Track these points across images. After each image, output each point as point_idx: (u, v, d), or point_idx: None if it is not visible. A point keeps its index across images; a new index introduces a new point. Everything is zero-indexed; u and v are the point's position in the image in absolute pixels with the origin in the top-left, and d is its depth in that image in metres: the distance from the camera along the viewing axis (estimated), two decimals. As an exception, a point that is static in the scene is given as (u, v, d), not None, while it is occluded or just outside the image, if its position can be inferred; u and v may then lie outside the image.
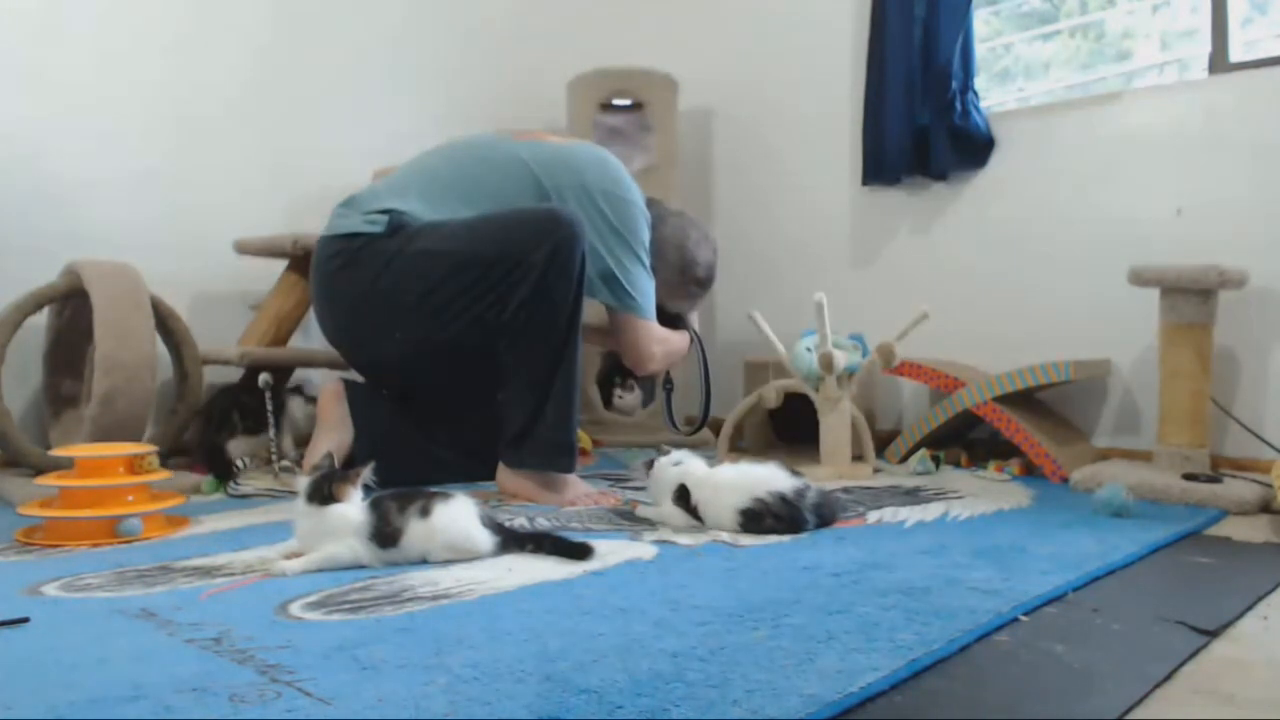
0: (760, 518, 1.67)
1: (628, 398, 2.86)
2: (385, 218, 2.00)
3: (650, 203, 2.26)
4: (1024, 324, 2.61)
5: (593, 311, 2.14)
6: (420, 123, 3.04)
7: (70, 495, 1.69)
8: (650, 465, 1.82)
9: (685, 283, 2.29)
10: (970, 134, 2.65)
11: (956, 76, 2.65)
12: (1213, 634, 1.17)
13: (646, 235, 2.17)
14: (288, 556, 1.45)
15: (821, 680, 0.98)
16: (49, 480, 1.71)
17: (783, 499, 1.68)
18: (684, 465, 1.76)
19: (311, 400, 2.35)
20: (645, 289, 2.15)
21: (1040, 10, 2.85)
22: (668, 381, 2.44)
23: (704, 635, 1.12)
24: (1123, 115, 2.48)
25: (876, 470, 2.39)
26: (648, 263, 2.17)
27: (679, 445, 1.93)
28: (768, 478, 1.71)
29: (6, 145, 2.39)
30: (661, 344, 2.21)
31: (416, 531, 1.46)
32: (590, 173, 2.11)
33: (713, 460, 1.88)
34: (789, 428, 2.76)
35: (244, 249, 2.55)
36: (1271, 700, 0.99)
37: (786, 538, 1.64)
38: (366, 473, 1.48)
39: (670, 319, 2.31)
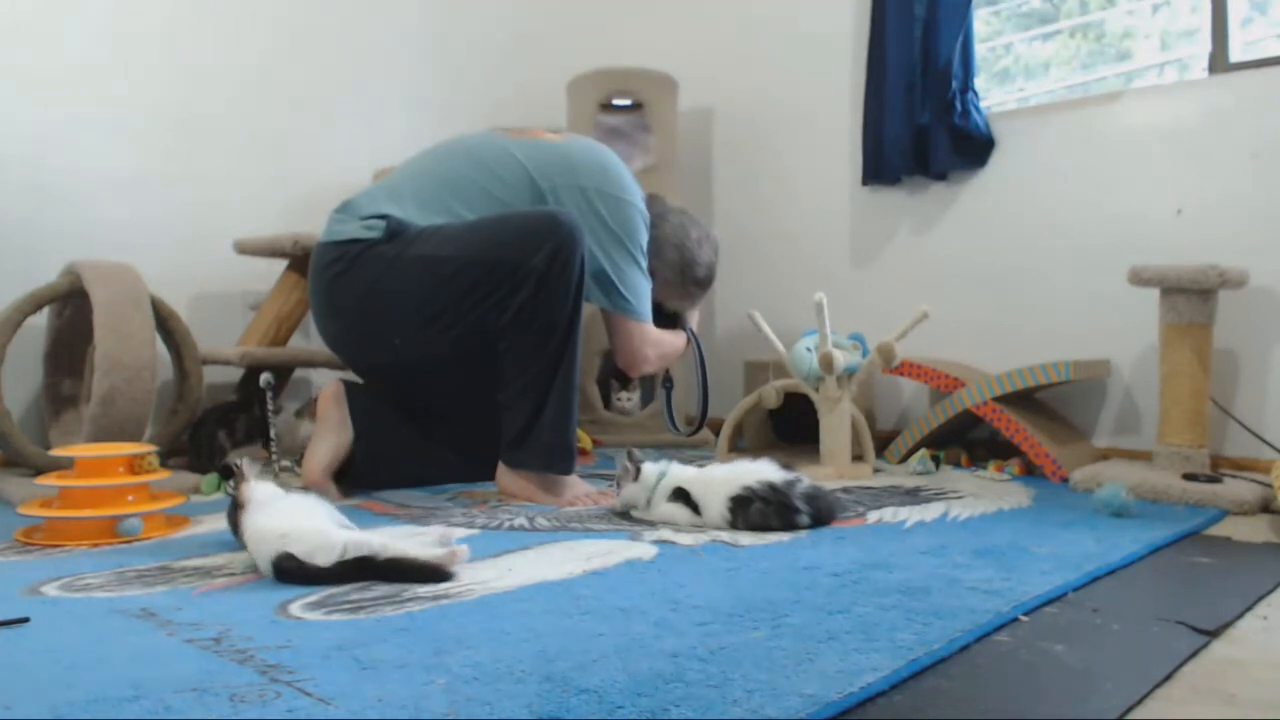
0: (748, 502, 1.70)
1: (633, 395, 2.87)
2: (383, 223, 1.99)
3: (651, 199, 2.25)
4: (1024, 324, 2.61)
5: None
6: (421, 123, 3.04)
7: (70, 495, 1.69)
8: (635, 468, 1.83)
9: (684, 282, 2.28)
10: (970, 134, 2.65)
11: (956, 76, 2.64)
12: (1213, 634, 1.17)
13: (644, 236, 2.16)
14: None
15: (821, 680, 0.98)
16: (49, 480, 1.71)
17: (771, 486, 1.71)
18: (672, 472, 1.81)
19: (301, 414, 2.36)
20: (640, 291, 2.14)
21: (1040, 10, 2.85)
22: (667, 380, 2.44)
23: (704, 635, 1.12)
24: (1123, 115, 2.48)
25: (876, 470, 2.39)
26: (644, 265, 2.16)
27: (664, 446, 1.95)
28: (758, 470, 1.75)
29: (6, 145, 2.39)
30: (655, 347, 2.21)
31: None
32: (587, 173, 2.10)
33: (706, 463, 1.91)
34: (789, 428, 2.76)
35: (244, 249, 2.55)
36: (1271, 700, 0.99)
37: (786, 537, 1.65)
38: None
39: (669, 317, 2.31)
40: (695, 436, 2.56)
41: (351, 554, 1.37)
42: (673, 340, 2.28)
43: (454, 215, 2.03)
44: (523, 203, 2.05)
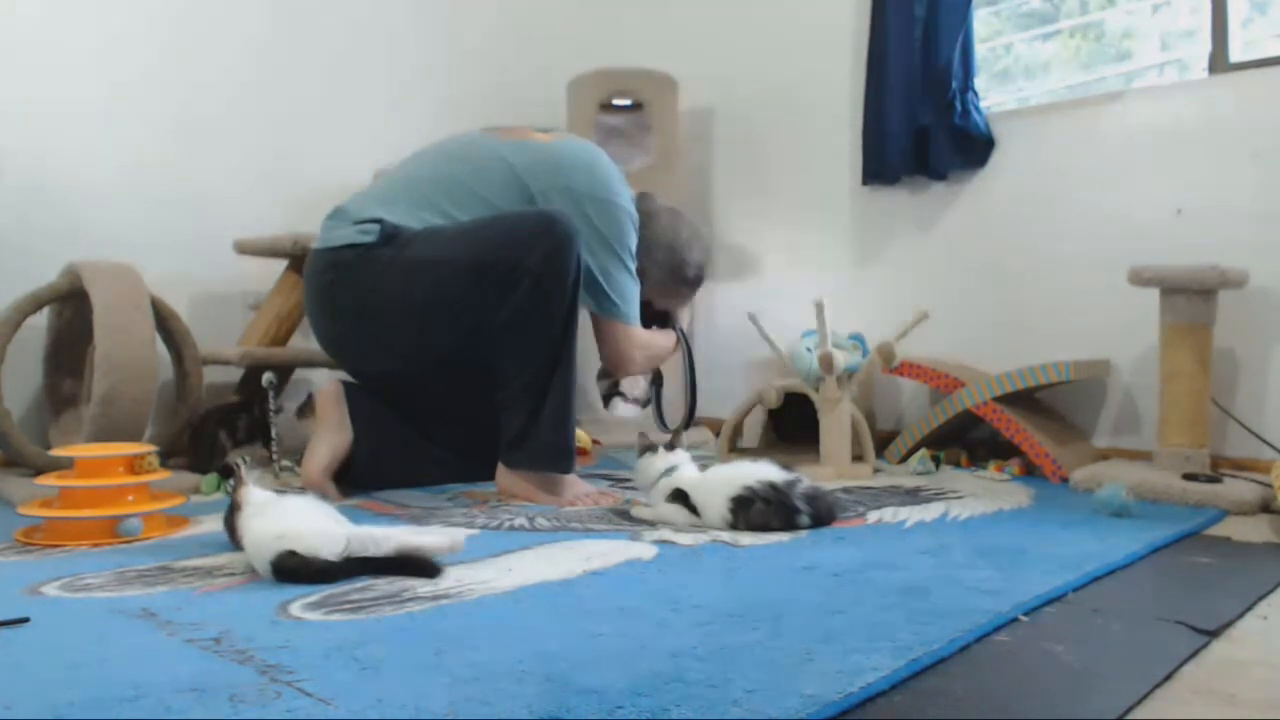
0: (749, 503, 1.70)
1: (640, 384, 2.85)
2: (377, 227, 1.99)
3: (641, 197, 2.25)
4: (1024, 324, 2.61)
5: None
6: (420, 122, 3.04)
7: (70, 495, 1.69)
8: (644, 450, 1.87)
9: (674, 282, 2.28)
10: (970, 134, 2.65)
11: (956, 76, 2.64)
12: (1213, 634, 1.17)
13: (633, 239, 2.16)
14: None
15: (821, 680, 0.98)
16: (49, 480, 1.71)
17: (771, 486, 1.71)
18: (678, 470, 1.81)
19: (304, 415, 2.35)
20: (628, 294, 2.14)
21: (1040, 10, 2.85)
22: (657, 377, 2.44)
23: (704, 635, 1.12)
24: (1123, 115, 2.48)
25: (876, 470, 2.39)
26: (632, 267, 2.15)
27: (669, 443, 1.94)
28: (757, 470, 1.75)
29: (6, 145, 2.39)
30: (642, 349, 2.21)
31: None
32: (576, 175, 2.10)
33: (709, 461, 1.91)
34: (789, 428, 2.76)
35: (244, 249, 2.55)
36: (1271, 700, 0.99)
37: (786, 537, 1.65)
38: None
39: (659, 316, 2.31)
40: (684, 433, 2.56)
41: (355, 547, 1.37)
42: (661, 341, 2.28)
43: (446, 217, 2.03)
44: (511, 204, 2.04)
